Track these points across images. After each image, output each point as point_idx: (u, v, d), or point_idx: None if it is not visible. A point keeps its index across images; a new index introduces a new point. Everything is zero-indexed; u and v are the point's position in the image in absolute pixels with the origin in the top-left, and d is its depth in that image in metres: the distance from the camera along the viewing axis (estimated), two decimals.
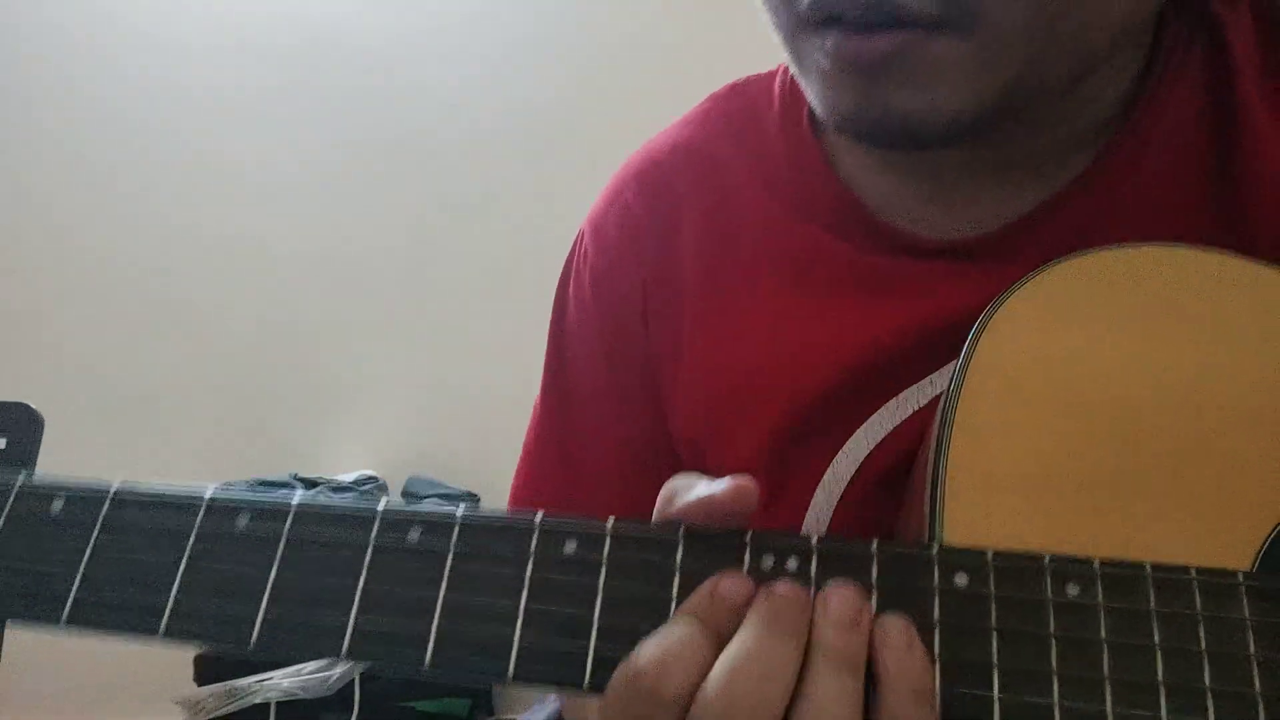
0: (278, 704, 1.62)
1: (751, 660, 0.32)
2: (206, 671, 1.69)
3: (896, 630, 0.33)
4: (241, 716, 1.64)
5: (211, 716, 1.66)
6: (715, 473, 0.53)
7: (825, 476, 0.50)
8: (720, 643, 0.33)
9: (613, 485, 0.59)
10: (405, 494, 2.04)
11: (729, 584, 0.34)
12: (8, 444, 0.39)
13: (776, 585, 0.34)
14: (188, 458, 2.12)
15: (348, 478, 2.03)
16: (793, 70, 0.44)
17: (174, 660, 1.70)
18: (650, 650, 0.32)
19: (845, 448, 0.50)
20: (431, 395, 2.16)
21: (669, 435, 0.56)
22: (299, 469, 2.06)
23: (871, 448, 0.49)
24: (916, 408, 0.49)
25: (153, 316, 2.17)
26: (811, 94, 0.43)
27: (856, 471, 0.49)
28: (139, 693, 1.93)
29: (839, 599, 0.33)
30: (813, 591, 0.34)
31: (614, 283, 0.58)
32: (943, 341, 0.47)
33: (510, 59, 2.14)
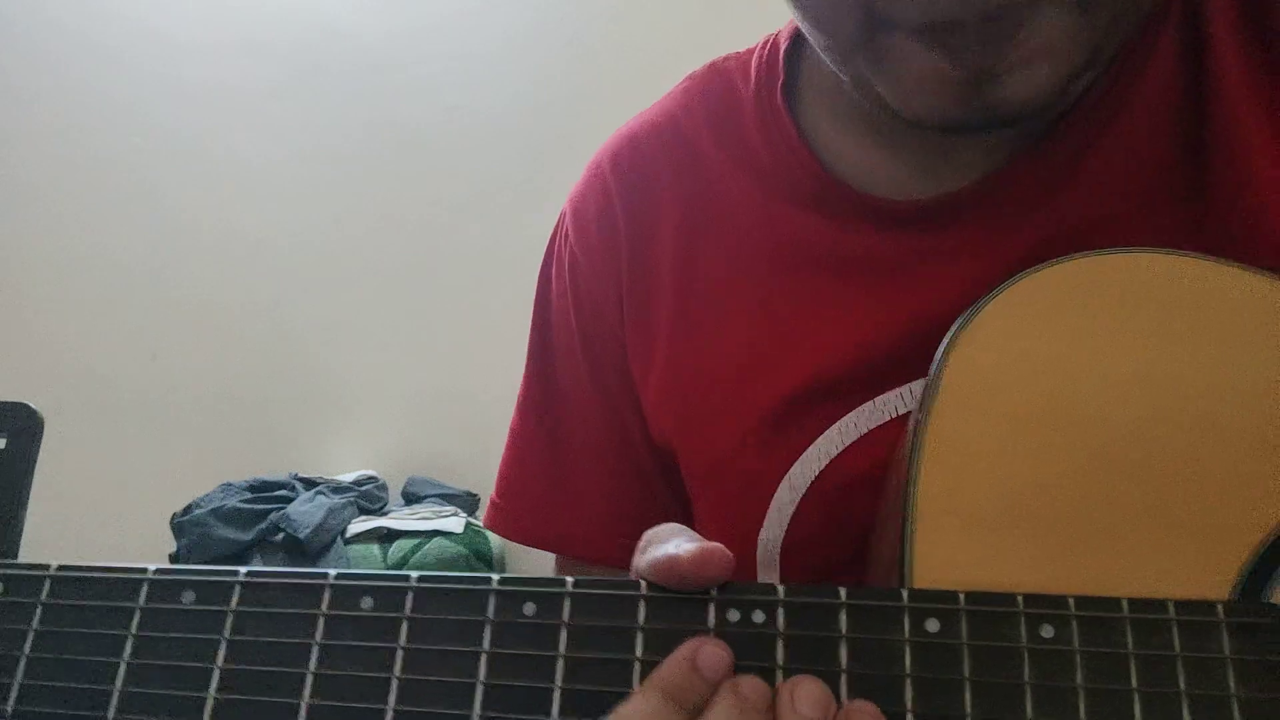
0: None
1: None
2: None
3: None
4: None
5: None
6: (686, 469, 0.54)
7: (792, 471, 0.49)
8: (688, 718, 0.32)
9: (597, 468, 0.59)
10: (406, 494, 2.04)
11: (709, 655, 0.33)
12: (8, 444, 0.39)
13: (742, 685, 0.32)
14: (188, 458, 2.13)
15: (348, 478, 2.03)
16: (854, 70, 0.41)
17: None
18: None
19: (815, 444, 0.49)
20: (432, 395, 2.15)
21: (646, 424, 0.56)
22: (299, 469, 2.06)
23: (841, 449, 0.48)
24: (894, 414, 0.48)
25: (153, 316, 2.17)
26: (895, 94, 0.40)
27: (823, 470, 0.49)
28: None
29: (807, 696, 0.32)
30: (780, 645, 0.33)
31: (591, 279, 0.57)
32: (924, 342, 0.46)
33: (513, 59, 2.12)
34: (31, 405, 0.40)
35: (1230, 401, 0.37)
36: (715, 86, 0.56)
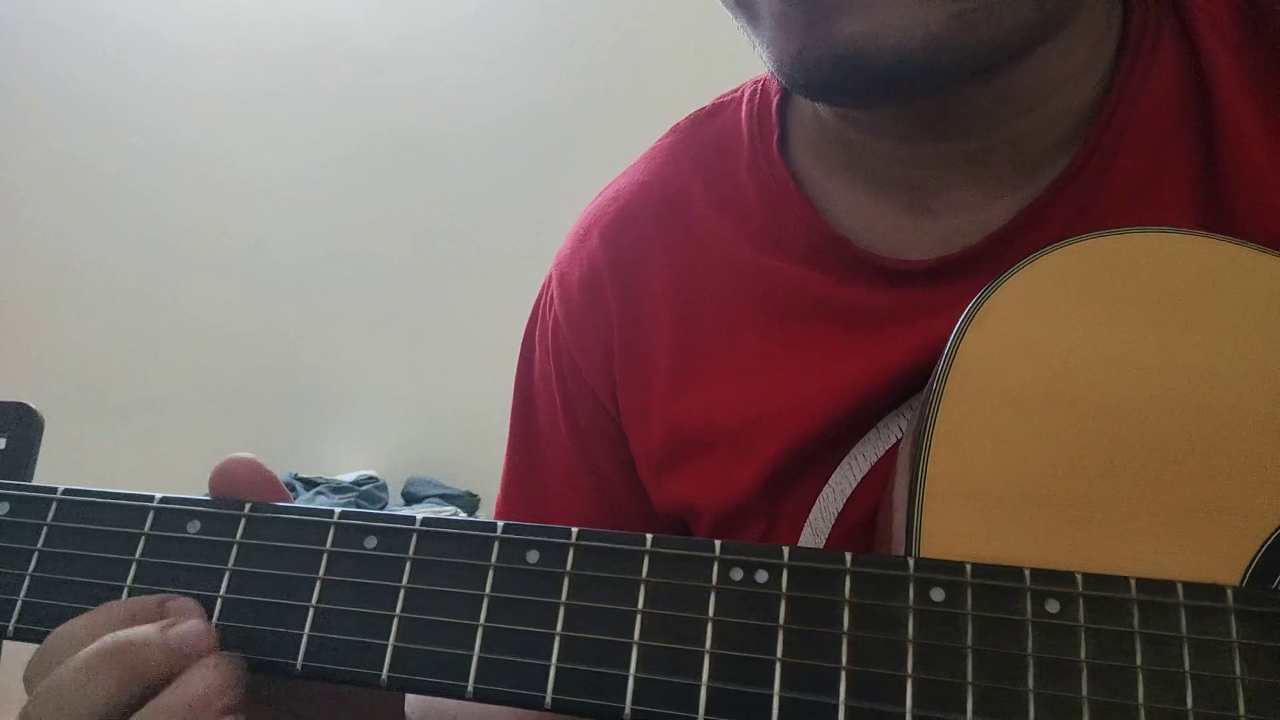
0: None
1: None
2: None
3: None
4: None
5: None
6: (705, 524, 0.52)
7: (811, 515, 0.48)
8: None
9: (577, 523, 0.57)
10: (406, 494, 2.03)
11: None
12: (8, 444, 0.39)
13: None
14: (189, 458, 2.10)
15: (348, 478, 2.03)
16: (749, 37, 0.42)
17: None
18: None
19: (830, 484, 0.48)
20: (432, 396, 2.15)
21: (637, 490, 0.55)
22: (299, 469, 2.06)
23: (856, 483, 0.48)
24: (899, 434, 0.47)
25: (154, 318, 2.17)
26: (766, 53, 0.41)
27: (843, 509, 0.48)
28: None
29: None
30: (782, 605, 0.33)
31: (573, 342, 0.56)
32: (924, 372, 0.45)
33: (512, 63, 2.14)
34: (31, 405, 0.40)
35: (1246, 387, 0.37)
36: (704, 138, 0.55)
